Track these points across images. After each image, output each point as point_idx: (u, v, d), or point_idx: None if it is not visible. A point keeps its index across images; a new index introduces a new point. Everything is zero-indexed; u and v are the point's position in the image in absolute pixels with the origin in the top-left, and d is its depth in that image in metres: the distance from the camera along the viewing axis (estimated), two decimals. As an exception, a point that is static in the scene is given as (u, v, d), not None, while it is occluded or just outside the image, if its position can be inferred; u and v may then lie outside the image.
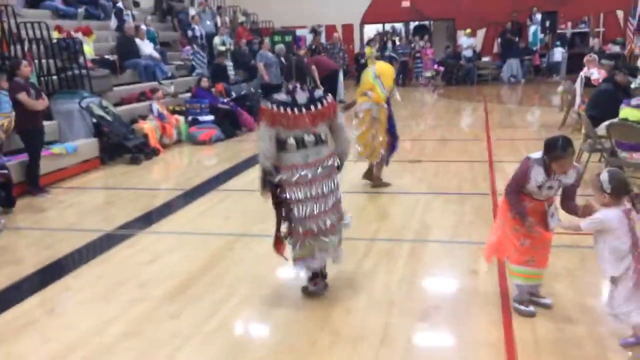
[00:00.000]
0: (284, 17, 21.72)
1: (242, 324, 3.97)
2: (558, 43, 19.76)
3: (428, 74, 19.46)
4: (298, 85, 3.98)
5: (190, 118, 10.89)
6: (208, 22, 15.54)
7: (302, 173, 3.89)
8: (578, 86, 9.63)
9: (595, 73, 9.48)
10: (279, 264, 4.49)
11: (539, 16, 20.44)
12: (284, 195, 3.95)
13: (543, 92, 17.09)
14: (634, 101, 5.98)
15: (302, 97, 3.93)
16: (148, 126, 9.77)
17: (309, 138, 3.90)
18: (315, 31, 14.13)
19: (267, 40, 14.41)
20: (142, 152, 9.21)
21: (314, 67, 12.32)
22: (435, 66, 19.67)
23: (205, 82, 11.42)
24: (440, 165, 8.07)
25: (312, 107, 3.92)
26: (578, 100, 9.70)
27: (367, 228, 5.62)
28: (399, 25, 26.08)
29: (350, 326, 3.79)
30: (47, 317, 4.14)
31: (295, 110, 3.87)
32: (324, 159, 3.95)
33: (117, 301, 4.31)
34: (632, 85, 7.23)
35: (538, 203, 3.71)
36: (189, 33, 14.30)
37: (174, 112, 10.88)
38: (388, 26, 25.54)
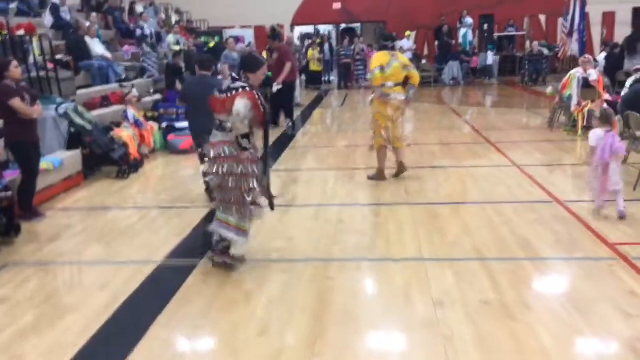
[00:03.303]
0: (214, 17, 20.78)
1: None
2: (491, 46, 20.17)
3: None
4: (234, 74, 4.52)
5: (164, 124, 9.81)
6: (151, 20, 14.30)
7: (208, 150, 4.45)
8: (575, 87, 9.61)
9: (594, 74, 9.50)
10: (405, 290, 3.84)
11: (469, 19, 20.82)
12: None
13: (494, 93, 17.35)
14: None
15: (225, 84, 4.46)
16: (126, 134, 8.62)
17: (215, 121, 4.45)
18: (275, 31, 13.29)
19: (231, 39, 13.38)
20: (127, 164, 8.09)
21: (288, 64, 11.32)
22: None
23: (179, 85, 10.36)
24: (470, 171, 7.67)
25: (224, 95, 4.37)
26: (575, 100, 9.70)
27: (463, 245, 5.08)
28: (324, 28, 25.80)
29: None
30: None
31: (216, 94, 4.44)
32: (216, 144, 4.38)
33: (247, 355, 3.46)
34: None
35: None
36: (138, 32, 13.02)
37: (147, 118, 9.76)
38: (310, 28, 25.14)
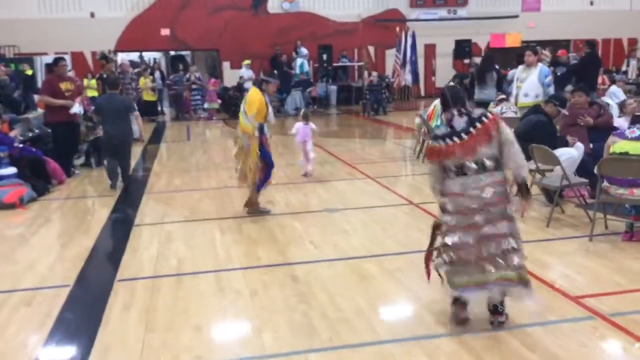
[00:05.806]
0: (23, 43, 18.16)
1: None
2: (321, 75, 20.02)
3: (211, 105, 18.06)
4: (455, 111, 3.81)
5: (-19, 173, 7.76)
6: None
7: (460, 202, 3.76)
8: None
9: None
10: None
11: (304, 50, 20.57)
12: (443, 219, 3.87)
13: (342, 123, 17.16)
14: (629, 133, 5.57)
15: (459, 123, 3.77)
16: None
17: (469, 165, 3.73)
18: (105, 57, 11.56)
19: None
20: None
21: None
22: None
23: (-2, 123, 8.34)
24: (371, 214, 6.89)
25: (470, 132, 3.72)
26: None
27: (420, 315, 4.17)
28: (151, 55, 24.19)
29: None
30: None
31: (453, 139, 3.74)
32: (483, 187, 3.72)
33: None
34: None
35: None
36: None
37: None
38: (135, 55, 23.31)
